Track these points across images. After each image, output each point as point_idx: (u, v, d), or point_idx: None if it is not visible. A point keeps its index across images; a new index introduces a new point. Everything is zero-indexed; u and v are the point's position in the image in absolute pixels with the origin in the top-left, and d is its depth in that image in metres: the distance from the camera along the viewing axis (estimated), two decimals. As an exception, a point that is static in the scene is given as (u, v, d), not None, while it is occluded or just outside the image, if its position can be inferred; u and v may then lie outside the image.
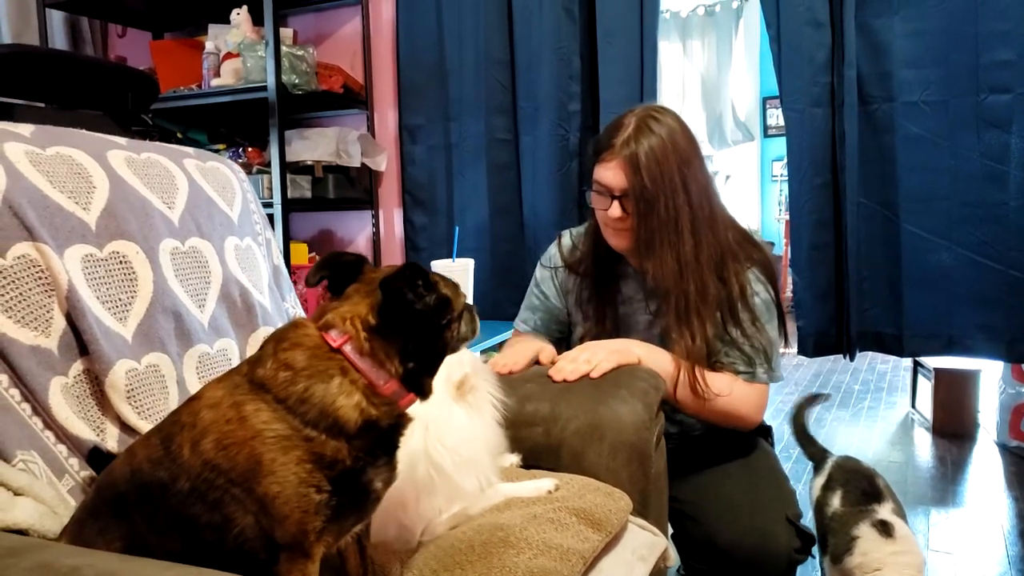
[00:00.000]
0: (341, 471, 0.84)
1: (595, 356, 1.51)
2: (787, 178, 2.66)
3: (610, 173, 1.55)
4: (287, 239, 2.83)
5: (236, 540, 0.83)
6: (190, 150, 1.47)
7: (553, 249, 1.85)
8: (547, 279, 1.83)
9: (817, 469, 1.94)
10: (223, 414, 0.84)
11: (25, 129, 1.18)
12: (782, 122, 2.65)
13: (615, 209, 1.56)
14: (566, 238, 1.84)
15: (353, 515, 0.89)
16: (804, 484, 2.04)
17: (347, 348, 0.86)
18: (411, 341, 0.88)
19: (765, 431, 1.85)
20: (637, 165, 1.51)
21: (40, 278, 1.08)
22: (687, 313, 1.56)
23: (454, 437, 1.16)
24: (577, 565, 1.09)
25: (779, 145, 6.74)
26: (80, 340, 1.10)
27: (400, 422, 0.91)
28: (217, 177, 1.47)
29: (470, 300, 1.02)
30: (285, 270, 1.60)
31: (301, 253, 3.03)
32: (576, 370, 1.49)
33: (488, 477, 1.22)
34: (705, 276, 1.56)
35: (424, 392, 0.92)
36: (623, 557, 1.24)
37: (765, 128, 7.30)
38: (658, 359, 1.56)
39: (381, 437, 0.88)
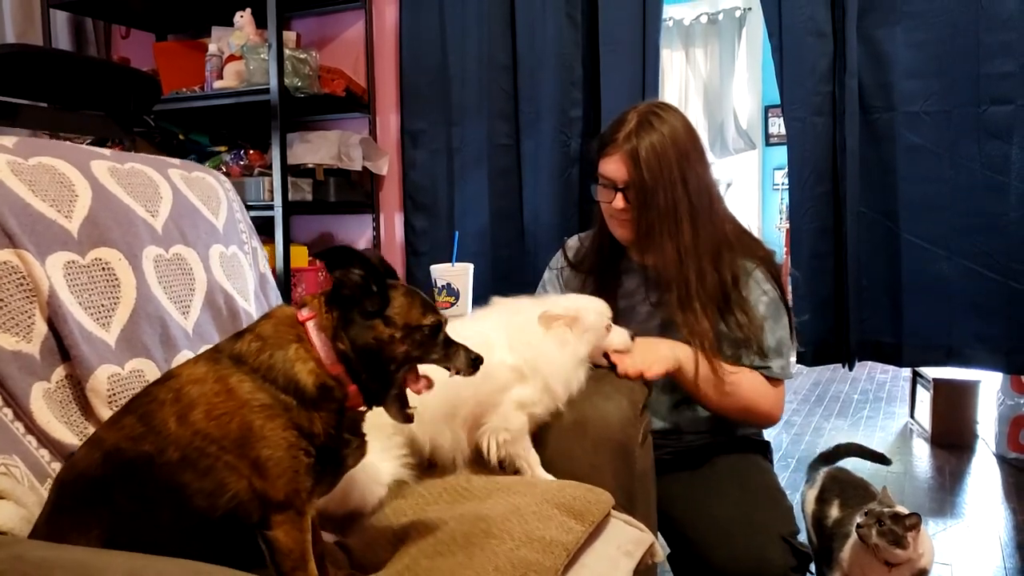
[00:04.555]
0: (320, 445, 0.93)
1: (647, 359, 1.55)
2: (788, 187, 2.65)
3: (612, 166, 1.62)
4: (287, 242, 2.83)
5: (229, 504, 0.89)
6: (175, 160, 1.48)
7: (558, 254, 1.91)
8: (552, 280, 1.89)
9: (808, 482, 1.94)
10: (210, 388, 0.91)
11: (7, 140, 1.19)
12: (784, 131, 2.64)
13: (618, 200, 1.61)
14: (572, 240, 1.91)
15: (328, 481, 0.99)
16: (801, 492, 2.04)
17: (310, 323, 0.96)
18: (350, 323, 0.96)
19: (763, 447, 1.84)
20: (637, 159, 1.57)
21: (21, 284, 1.09)
22: (688, 300, 1.60)
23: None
24: (560, 557, 1.10)
25: (781, 154, 6.71)
26: (62, 346, 1.11)
27: (356, 413, 1.00)
28: (202, 187, 1.48)
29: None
30: (271, 278, 1.62)
31: (302, 256, 3.03)
32: (635, 367, 1.53)
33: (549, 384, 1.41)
34: (703, 265, 1.60)
35: (371, 399, 0.99)
36: (607, 552, 1.25)
37: (767, 136, 7.27)
38: (690, 356, 1.59)
39: (344, 416, 0.96)
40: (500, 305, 1.54)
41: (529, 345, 1.42)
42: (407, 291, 1.00)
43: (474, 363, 1.03)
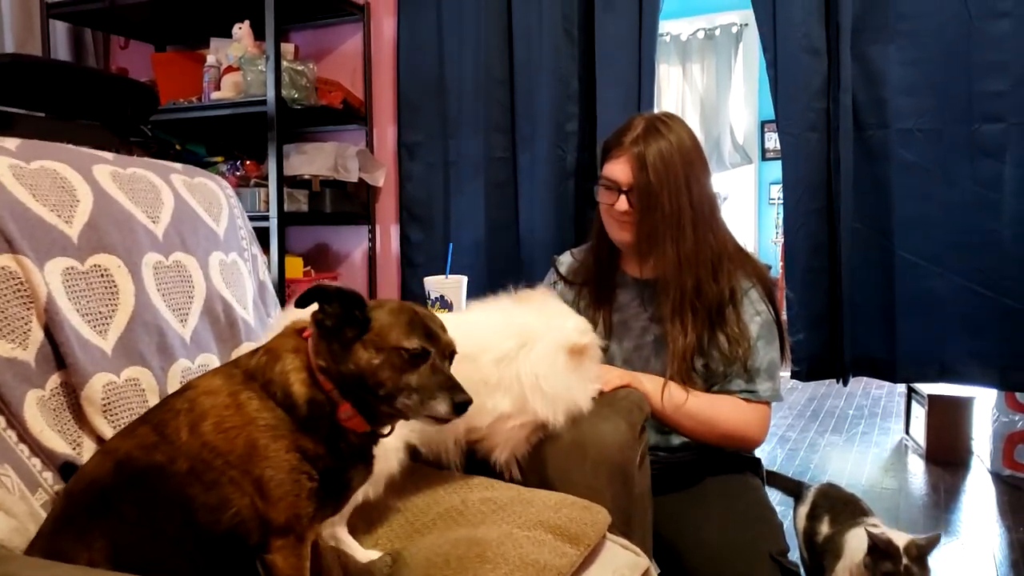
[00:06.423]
0: (323, 469, 0.92)
1: (606, 375, 1.56)
2: (783, 202, 2.67)
3: (618, 168, 1.62)
4: (283, 253, 2.83)
5: (231, 521, 0.88)
6: (177, 165, 1.48)
7: (550, 272, 1.90)
8: None
9: (799, 499, 1.93)
10: (222, 400, 0.92)
11: (10, 143, 1.19)
12: (780, 145, 2.66)
13: (622, 203, 1.62)
14: (563, 256, 1.90)
15: (332, 505, 0.98)
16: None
17: (310, 341, 0.95)
18: (332, 352, 0.93)
19: (753, 464, 1.84)
20: (644, 162, 1.58)
21: (19, 290, 1.08)
22: (681, 308, 1.61)
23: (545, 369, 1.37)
24: None
25: (777, 169, 6.68)
26: (58, 353, 1.10)
27: (362, 437, 0.96)
28: (204, 192, 1.48)
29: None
30: (271, 286, 1.61)
31: (296, 267, 3.04)
32: None
33: (556, 413, 1.38)
34: (702, 273, 1.61)
35: (375, 420, 0.96)
36: (603, 576, 1.24)
37: (763, 151, 7.28)
38: (657, 384, 1.60)
39: (339, 435, 0.93)
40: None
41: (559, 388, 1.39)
42: (393, 310, 0.94)
43: (457, 408, 0.91)
